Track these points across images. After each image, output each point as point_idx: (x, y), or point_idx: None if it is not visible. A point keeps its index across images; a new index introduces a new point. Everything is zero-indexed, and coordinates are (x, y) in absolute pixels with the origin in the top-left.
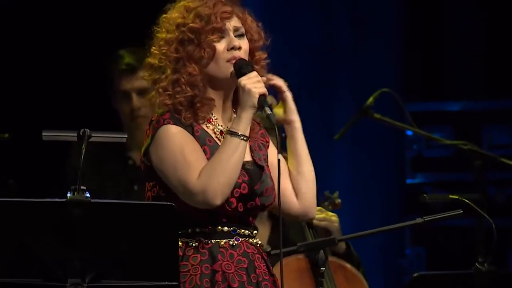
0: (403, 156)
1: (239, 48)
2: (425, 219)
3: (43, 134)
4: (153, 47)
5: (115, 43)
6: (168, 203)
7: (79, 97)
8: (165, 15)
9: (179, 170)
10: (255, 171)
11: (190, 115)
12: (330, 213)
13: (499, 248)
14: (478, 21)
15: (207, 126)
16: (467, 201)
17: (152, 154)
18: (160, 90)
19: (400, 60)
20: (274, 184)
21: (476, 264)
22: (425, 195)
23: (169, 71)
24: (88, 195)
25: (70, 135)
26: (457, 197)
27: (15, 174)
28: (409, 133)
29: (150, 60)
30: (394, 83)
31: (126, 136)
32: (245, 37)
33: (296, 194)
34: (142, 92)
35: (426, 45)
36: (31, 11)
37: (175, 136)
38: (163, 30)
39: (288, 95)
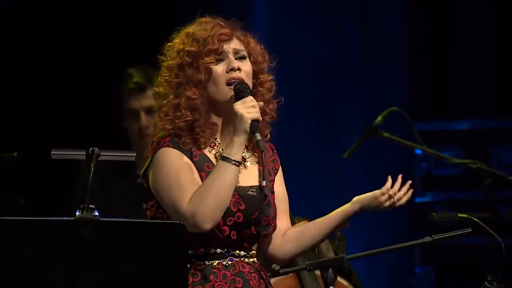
0: (413, 175)
1: (239, 69)
2: (434, 238)
3: (52, 153)
4: (160, 76)
5: (123, 62)
6: (178, 222)
7: (88, 116)
8: (169, 43)
9: (172, 193)
10: (257, 198)
11: (189, 140)
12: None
13: (508, 266)
14: (488, 40)
15: (209, 151)
16: (476, 219)
17: (149, 175)
18: (161, 115)
19: (409, 78)
20: (275, 213)
21: (485, 282)
22: (434, 213)
23: (171, 97)
24: (97, 213)
25: (79, 154)
26: (466, 215)
27: (24, 193)
28: (418, 151)
29: (156, 89)
30: (404, 102)
31: (135, 154)
32: (247, 59)
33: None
34: (150, 110)
35: (436, 64)
36: (41, 30)
37: (171, 159)
38: (167, 58)
39: (377, 194)
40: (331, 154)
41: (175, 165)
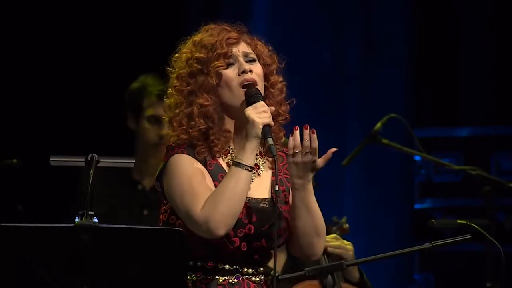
0: (412, 181)
1: (250, 71)
2: (433, 244)
3: (51, 159)
4: (169, 88)
5: (124, 68)
6: (176, 228)
7: (87, 122)
8: (176, 54)
9: (185, 199)
10: (268, 211)
11: (205, 149)
12: (346, 242)
13: (508, 273)
14: (489, 47)
15: (223, 159)
16: (475, 226)
17: (163, 179)
18: (175, 124)
19: (408, 85)
20: (287, 225)
21: None
22: (433, 220)
23: (183, 106)
24: (96, 220)
25: (78, 160)
26: (465, 222)
27: (24, 200)
28: (418, 158)
29: (167, 101)
30: (403, 109)
31: (134, 161)
32: (257, 62)
33: (292, 242)
34: None
35: (435, 71)
36: (41, 36)
37: (185, 165)
38: (176, 69)
39: (289, 159)
40: (330, 161)
41: (188, 171)
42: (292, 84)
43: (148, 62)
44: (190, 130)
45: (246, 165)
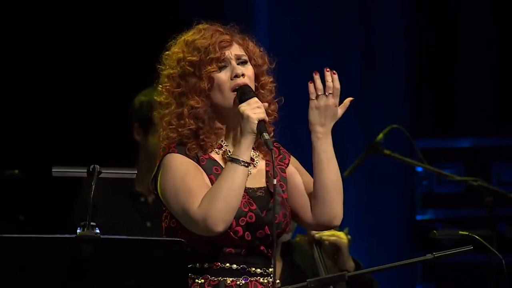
0: (413, 192)
1: (243, 75)
2: (435, 255)
3: (53, 170)
4: (159, 85)
5: (126, 80)
6: (178, 239)
7: (89, 133)
8: (167, 52)
9: (180, 198)
10: (265, 198)
11: (195, 146)
12: (338, 232)
13: (509, 284)
14: (489, 58)
15: (216, 153)
16: (477, 237)
17: (157, 181)
18: (164, 124)
19: (410, 96)
20: (286, 211)
21: None
22: (435, 231)
23: (173, 106)
24: (98, 231)
25: (80, 171)
26: (467, 233)
27: (25, 210)
28: (419, 169)
29: (157, 98)
30: (404, 120)
31: (136, 172)
32: (248, 63)
33: (315, 204)
34: None
35: (437, 82)
36: (41, 46)
37: (178, 164)
38: (166, 67)
39: (312, 104)
40: None
41: (181, 169)
42: (293, 95)
43: (153, 72)
44: (180, 129)
45: (242, 161)
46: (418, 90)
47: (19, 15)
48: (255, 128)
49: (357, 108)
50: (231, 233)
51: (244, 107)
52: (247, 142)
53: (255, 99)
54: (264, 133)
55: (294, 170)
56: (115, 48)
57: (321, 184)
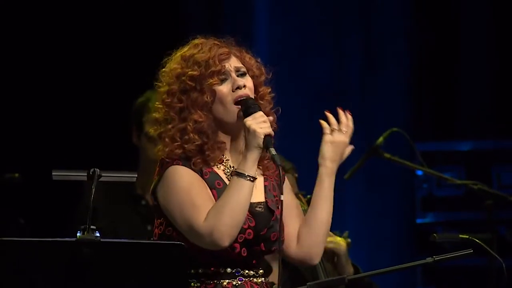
0: (414, 196)
1: (244, 86)
2: (435, 259)
3: (53, 174)
4: (157, 102)
5: (127, 84)
6: (179, 242)
7: (90, 136)
8: (163, 69)
9: (185, 211)
10: (265, 215)
11: (200, 160)
12: (338, 238)
13: (510, 287)
14: (489, 61)
15: (218, 167)
16: (477, 240)
17: (159, 192)
18: (167, 140)
19: (410, 99)
20: (283, 229)
21: None
22: (435, 234)
23: (175, 122)
24: (98, 234)
25: (80, 175)
26: (467, 236)
27: (25, 214)
28: (419, 172)
29: (155, 114)
30: (405, 123)
31: (136, 176)
32: (247, 75)
33: (297, 238)
34: None
35: (437, 85)
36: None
37: (182, 177)
38: (164, 83)
39: (327, 138)
40: None
41: (186, 183)
42: (293, 96)
43: (152, 74)
44: (185, 146)
45: (248, 175)
46: (418, 92)
47: (20, 18)
48: (261, 143)
49: (357, 112)
50: (229, 249)
51: (250, 122)
52: (253, 157)
53: (261, 113)
54: (270, 148)
55: (288, 189)
56: (115, 49)
57: (314, 220)
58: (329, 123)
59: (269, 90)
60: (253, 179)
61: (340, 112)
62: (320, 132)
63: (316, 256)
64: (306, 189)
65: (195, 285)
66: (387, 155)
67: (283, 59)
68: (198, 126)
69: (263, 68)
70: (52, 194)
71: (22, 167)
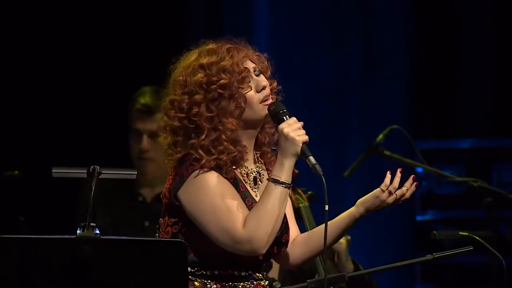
0: (413, 193)
1: (265, 86)
2: (435, 256)
3: (53, 171)
4: (172, 111)
5: (126, 81)
6: (178, 239)
7: (89, 134)
8: (175, 78)
9: (221, 217)
10: None
11: (231, 168)
12: None
13: (510, 285)
14: (489, 59)
15: (237, 171)
16: (477, 238)
17: (183, 195)
18: (200, 151)
19: (410, 97)
20: (289, 229)
21: None
22: (435, 231)
23: (206, 131)
24: (97, 231)
25: (80, 172)
26: (467, 234)
27: (25, 211)
28: (419, 170)
29: (170, 122)
30: (405, 120)
31: (136, 172)
32: (261, 73)
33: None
34: (154, 135)
35: (437, 83)
36: (41, 48)
37: (215, 182)
38: (179, 93)
39: (379, 194)
40: (332, 173)
41: (219, 187)
42: (294, 96)
43: (152, 73)
44: (221, 157)
45: (284, 182)
46: (418, 91)
47: (21, 17)
48: (299, 151)
49: (358, 110)
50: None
51: (287, 129)
52: (290, 164)
53: (294, 118)
54: (310, 157)
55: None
56: (115, 48)
57: (314, 242)
58: (391, 184)
59: (276, 83)
60: (290, 186)
61: (409, 180)
62: (321, 126)
63: (294, 267)
64: (306, 185)
65: (212, 286)
66: (387, 153)
67: (283, 59)
68: (233, 135)
69: (267, 63)
70: (52, 192)
71: (21, 165)
